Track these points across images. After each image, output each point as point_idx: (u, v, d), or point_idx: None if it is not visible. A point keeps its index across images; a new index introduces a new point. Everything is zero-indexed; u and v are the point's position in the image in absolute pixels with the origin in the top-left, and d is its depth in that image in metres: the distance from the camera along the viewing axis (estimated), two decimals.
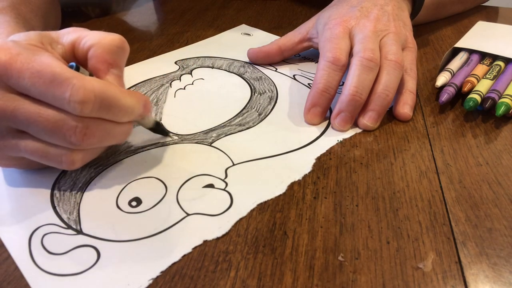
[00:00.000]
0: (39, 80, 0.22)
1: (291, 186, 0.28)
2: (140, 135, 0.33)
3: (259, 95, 0.39)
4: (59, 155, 0.25)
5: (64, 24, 0.53)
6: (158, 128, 0.32)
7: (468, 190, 0.27)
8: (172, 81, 0.41)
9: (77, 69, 0.25)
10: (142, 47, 0.50)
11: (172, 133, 0.33)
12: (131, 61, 0.46)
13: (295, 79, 0.41)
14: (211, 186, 0.28)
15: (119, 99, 0.25)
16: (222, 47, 0.49)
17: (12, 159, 0.27)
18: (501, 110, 0.32)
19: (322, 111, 0.34)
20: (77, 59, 0.27)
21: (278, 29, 0.54)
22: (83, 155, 0.26)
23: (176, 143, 0.32)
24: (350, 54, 0.35)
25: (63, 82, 0.22)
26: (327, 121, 0.34)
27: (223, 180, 0.28)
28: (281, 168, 0.29)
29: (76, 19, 0.59)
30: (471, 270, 0.22)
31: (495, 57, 0.39)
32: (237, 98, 0.38)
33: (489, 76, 0.36)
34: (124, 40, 0.27)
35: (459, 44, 0.42)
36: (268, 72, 0.43)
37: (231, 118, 0.35)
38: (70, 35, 0.27)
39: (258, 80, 0.41)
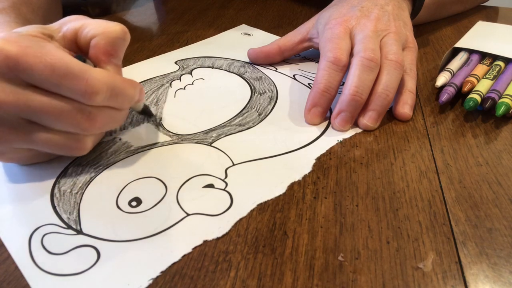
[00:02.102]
0: (53, 73, 0.23)
1: (291, 186, 0.28)
2: (140, 135, 0.33)
3: (259, 95, 0.39)
4: (72, 142, 0.26)
5: None
6: (145, 110, 0.34)
7: (468, 190, 0.27)
8: (172, 81, 0.41)
9: (83, 62, 0.26)
10: (142, 47, 0.50)
11: (172, 133, 0.33)
12: (131, 61, 0.46)
13: (295, 79, 0.41)
14: (211, 186, 0.28)
15: (124, 89, 0.27)
16: (222, 47, 0.49)
17: (18, 151, 0.27)
18: (501, 110, 0.32)
19: (323, 111, 0.34)
20: (79, 47, 0.28)
21: (278, 29, 0.54)
22: (92, 140, 0.28)
23: (176, 143, 0.32)
24: (351, 54, 0.35)
25: (77, 75, 0.23)
26: (327, 121, 0.34)
27: (223, 180, 0.28)
28: (281, 168, 0.29)
29: None
30: (471, 270, 0.22)
31: (495, 57, 0.39)
32: (237, 98, 0.38)
33: (489, 76, 0.36)
34: (126, 30, 0.28)
35: (459, 44, 0.42)
36: (268, 72, 0.43)
37: (231, 118, 0.35)
38: (73, 23, 0.28)
39: (258, 80, 0.41)
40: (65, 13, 0.54)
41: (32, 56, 0.23)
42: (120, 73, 0.29)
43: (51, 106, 0.24)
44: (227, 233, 0.24)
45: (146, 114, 0.35)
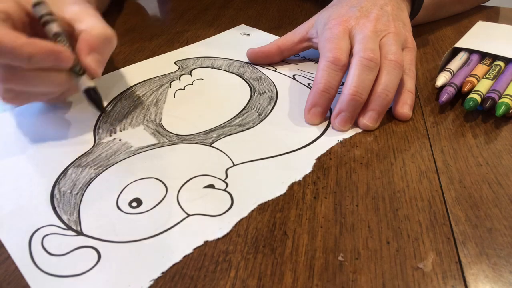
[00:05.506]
0: None
1: (291, 186, 0.28)
2: (140, 136, 0.33)
3: (259, 95, 0.39)
4: None
5: None
6: (91, 96, 0.30)
7: (468, 190, 0.27)
8: (171, 82, 0.41)
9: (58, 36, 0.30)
10: (142, 47, 0.50)
11: (172, 133, 0.33)
12: (131, 61, 0.46)
13: (294, 79, 0.41)
14: (211, 186, 0.28)
15: None
16: (221, 47, 0.49)
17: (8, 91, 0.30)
18: (501, 110, 0.32)
19: (323, 111, 0.34)
20: (73, 36, 0.32)
21: (278, 29, 0.54)
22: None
23: (176, 143, 0.32)
24: (350, 54, 0.35)
25: None
26: (327, 121, 0.34)
27: (223, 181, 0.28)
28: (281, 169, 0.29)
29: None
30: (471, 270, 0.22)
31: (495, 57, 0.39)
32: (237, 98, 0.38)
33: (489, 76, 0.36)
34: (113, 35, 0.32)
35: (459, 44, 0.42)
36: (267, 72, 0.43)
37: (231, 119, 0.35)
38: (74, 7, 0.32)
39: (258, 80, 0.41)
40: None
41: None
42: (100, 68, 0.31)
43: None
44: (227, 233, 0.24)
45: (92, 101, 0.30)
